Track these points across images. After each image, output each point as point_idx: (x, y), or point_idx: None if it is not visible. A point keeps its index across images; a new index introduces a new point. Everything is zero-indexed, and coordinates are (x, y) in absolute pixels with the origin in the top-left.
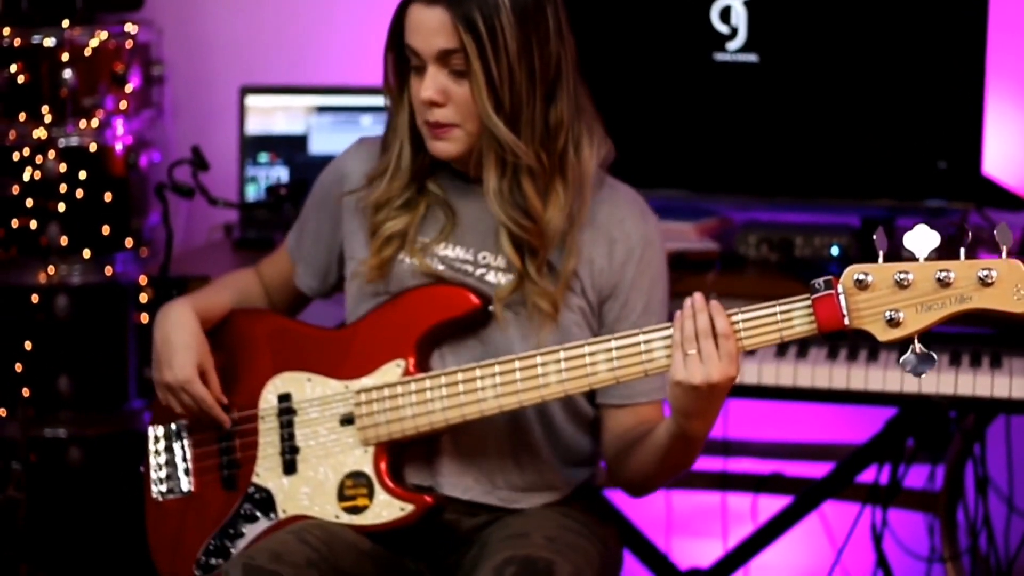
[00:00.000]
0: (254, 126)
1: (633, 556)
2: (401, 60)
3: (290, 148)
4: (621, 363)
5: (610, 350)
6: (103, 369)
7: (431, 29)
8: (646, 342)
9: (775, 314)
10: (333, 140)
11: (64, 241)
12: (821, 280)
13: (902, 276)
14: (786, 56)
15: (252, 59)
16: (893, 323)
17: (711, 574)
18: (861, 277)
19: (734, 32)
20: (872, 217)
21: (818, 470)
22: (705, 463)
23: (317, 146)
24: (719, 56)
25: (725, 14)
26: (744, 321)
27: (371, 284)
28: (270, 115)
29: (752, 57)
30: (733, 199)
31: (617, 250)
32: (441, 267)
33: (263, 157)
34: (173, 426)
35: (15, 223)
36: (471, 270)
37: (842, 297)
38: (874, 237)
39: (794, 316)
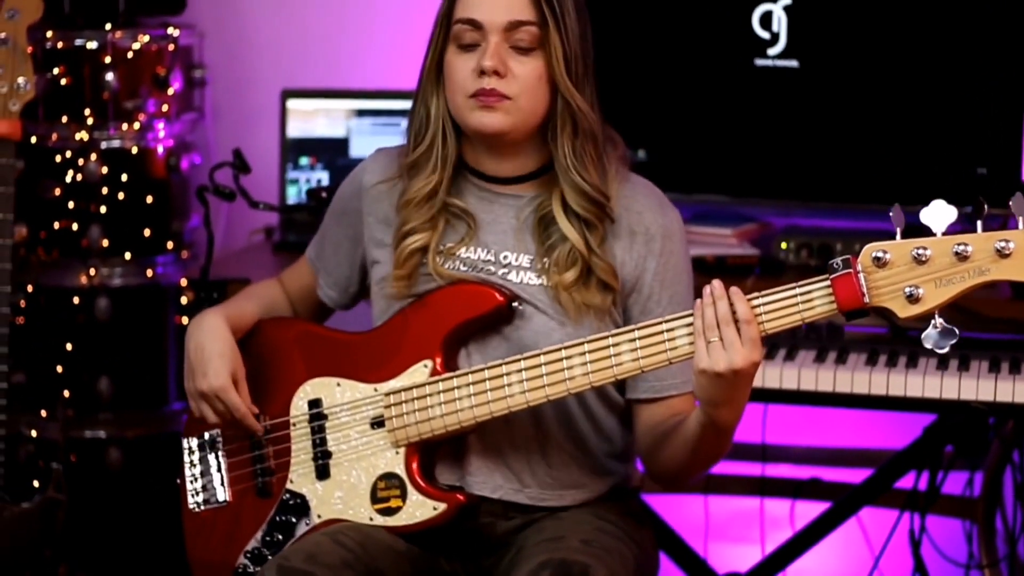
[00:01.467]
0: (295, 129)
1: (671, 561)
2: (443, 43)
3: (331, 151)
4: (645, 352)
5: (633, 340)
6: (143, 371)
7: (503, 1)
8: (668, 330)
9: (795, 296)
10: (373, 143)
11: (105, 243)
12: (839, 259)
13: (920, 252)
14: (826, 62)
15: (293, 63)
16: (913, 299)
17: None
18: (879, 255)
19: (775, 38)
20: (911, 223)
21: (856, 476)
22: (743, 468)
23: (358, 149)
24: (760, 62)
25: (766, 20)
26: (764, 305)
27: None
28: (311, 118)
29: (793, 63)
30: (773, 204)
31: (638, 243)
32: (464, 268)
33: (304, 160)
34: (207, 436)
35: (57, 225)
36: (493, 270)
37: (861, 275)
38: (890, 214)
39: (814, 297)
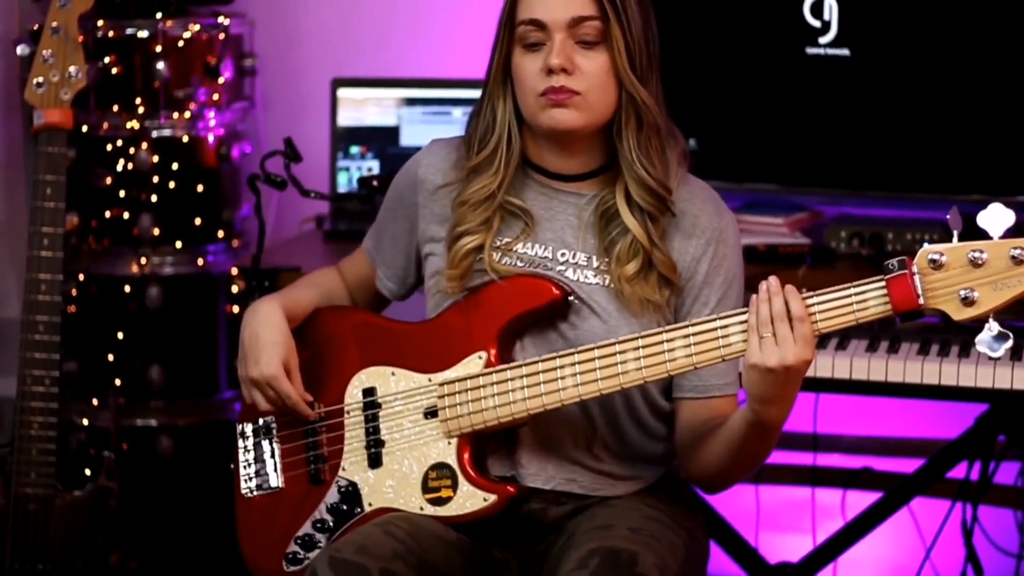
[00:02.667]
0: (346, 118)
1: (722, 550)
2: (508, 46)
3: (381, 140)
4: (698, 348)
5: (687, 336)
6: (194, 359)
7: None
8: (723, 327)
9: (849, 296)
10: (424, 132)
11: (156, 232)
12: (895, 260)
13: (976, 255)
14: (878, 50)
15: (343, 51)
16: (968, 302)
17: (800, 569)
18: (935, 257)
19: (826, 26)
20: (964, 212)
21: (908, 466)
22: (794, 457)
23: (408, 138)
24: (811, 50)
25: (817, 8)
26: (819, 304)
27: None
28: (362, 107)
29: (844, 51)
30: (824, 193)
31: (692, 244)
32: (520, 264)
33: (354, 149)
34: (261, 423)
35: (108, 214)
36: (551, 266)
37: (916, 277)
38: (947, 216)
39: (868, 298)
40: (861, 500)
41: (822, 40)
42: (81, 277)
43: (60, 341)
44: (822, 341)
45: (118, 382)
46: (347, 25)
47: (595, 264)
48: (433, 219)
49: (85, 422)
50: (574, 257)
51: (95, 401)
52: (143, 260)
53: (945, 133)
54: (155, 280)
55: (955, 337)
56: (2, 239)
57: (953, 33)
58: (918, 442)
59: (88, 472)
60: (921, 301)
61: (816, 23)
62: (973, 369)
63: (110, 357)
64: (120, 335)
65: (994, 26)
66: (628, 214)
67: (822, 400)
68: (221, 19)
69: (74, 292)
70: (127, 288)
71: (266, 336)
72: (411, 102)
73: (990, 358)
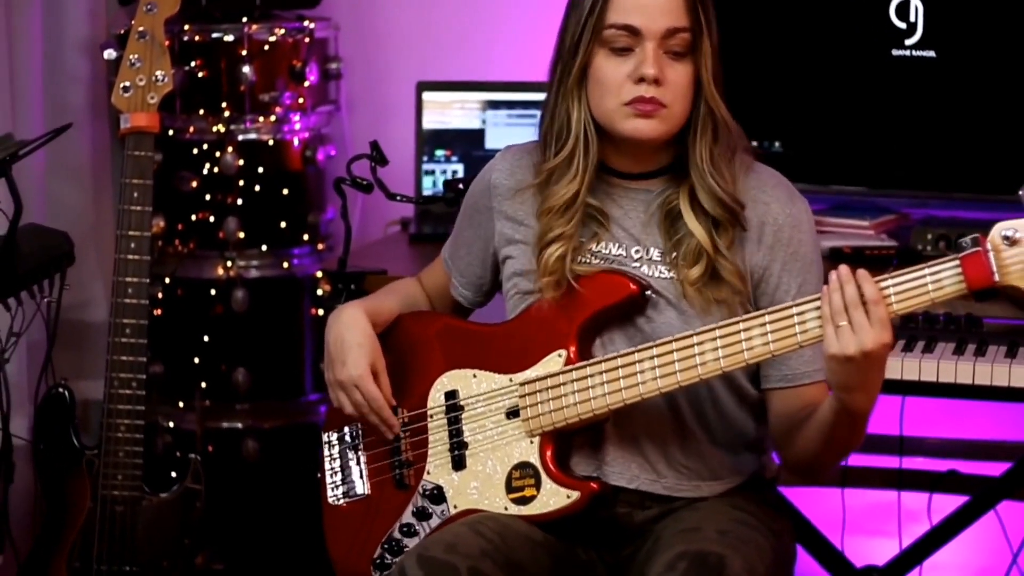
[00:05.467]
0: (430, 121)
1: (808, 553)
2: (590, 47)
3: (466, 143)
4: (775, 336)
5: (764, 324)
6: (279, 362)
7: (661, 6)
8: (799, 313)
9: (924, 276)
10: (509, 135)
11: (241, 235)
12: (968, 238)
13: None
14: (964, 52)
15: (428, 55)
16: None
17: (886, 572)
18: (1008, 233)
19: (912, 28)
20: None
21: (995, 469)
22: (880, 461)
23: (493, 141)
24: (897, 52)
25: (903, 10)
26: (894, 286)
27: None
28: (446, 110)
29: (930, 53)
30: (910, 195)
31: (766, 234)
32: (596, 262)
33: (439, 152)
34: (347, 430)
35: (194, 217)
36: (626, 263)
37: (991, 254)
38: (1020, 193)
39: (943, 277)
40: (947, 503)
41: (908, 42)
42: (167, 280)
43: (147, 344)
44: (908, 344)
45: (204, 385)
46: (431, 28)
47: (668, 259)
48: (509, 222)
49: (171, 425)
50: (647, 253)
51: (181, 404)
52: (228, 263)
53: None
54: (240, 283)
55: None
56: (89, 243)
57: None
58: (1005, 445)
59: (174, 474)
60: (996, 278)
61: (902, 25)
62: None
63: (196, 360)
64: (206, 338)
65: None
66: (692, 219)
67: (908, 403)
68: (306, 23)
69: (160, 295)
70: (213, 291)
71: (351, 338)
72: (495, 105)
73: None
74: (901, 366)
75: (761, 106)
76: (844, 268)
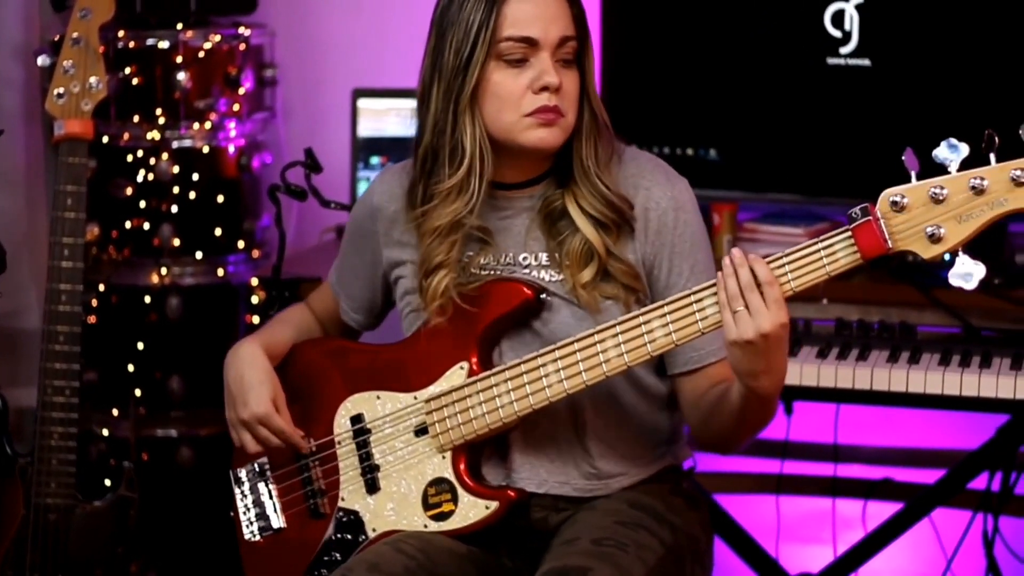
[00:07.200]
0: (366, 128)
1: (742, 561)
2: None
3: (402, 150)
4: (676, 326)
5: (664, 315)
6: (214, 370)
7: (553, 16)
8: (697, 301)
9: (818, 251)
10: None
11: (177, 242)
12: (857, 209)
13: (936, 191)
14: (898, 60)
15: (364, 62)
16: (935, 239)
17: None
18: (896, 199)
19: (847, 37)
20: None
21: (929, 476)
22: (815, 468)
23: None
24: (832, 60)
25: (838, 18)
26: (789, 264)
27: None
28: (382, 117)
29: (865, 61)
30: (845, 203)
31: (651, 220)
32: (485, 274)
33: (375, 160)
34: (255, 466)
35: (128, 224)
36: (516, 271)
37: (881, 222)
38: (903, 158)
39: (837, 249)
40: (882, 511)
41: (843, 50)
42: (101, 287)
43: (80, 351)
44: (842, 352)
45: (138, 392)
46: (367, 35)
47: (554, 262)
48: (396, 245)
49: (105, 432)
50: (536, 259)
51: (115, 411)
52: (163, 270)
53: (966, 142)
54: (175, 290)
55: (976, 347)
56: (23, 250)
57: (973, 42)
58: (939, 453)
59: (108, 482)
60: (889, 245)
61: (837, 33)
62: (994, 380)
63: (130, 367)
64: (140, 345)
65: (1013, 35)
66: (583, 219)
67: (843, 411)
68: (241, 29)
69: (94, 303)
70: (147, 298)
71: (251, 376)
72: None
73: (964, 289)
74: (835, 374)
75: (696, 114)
76: (737, 252)
